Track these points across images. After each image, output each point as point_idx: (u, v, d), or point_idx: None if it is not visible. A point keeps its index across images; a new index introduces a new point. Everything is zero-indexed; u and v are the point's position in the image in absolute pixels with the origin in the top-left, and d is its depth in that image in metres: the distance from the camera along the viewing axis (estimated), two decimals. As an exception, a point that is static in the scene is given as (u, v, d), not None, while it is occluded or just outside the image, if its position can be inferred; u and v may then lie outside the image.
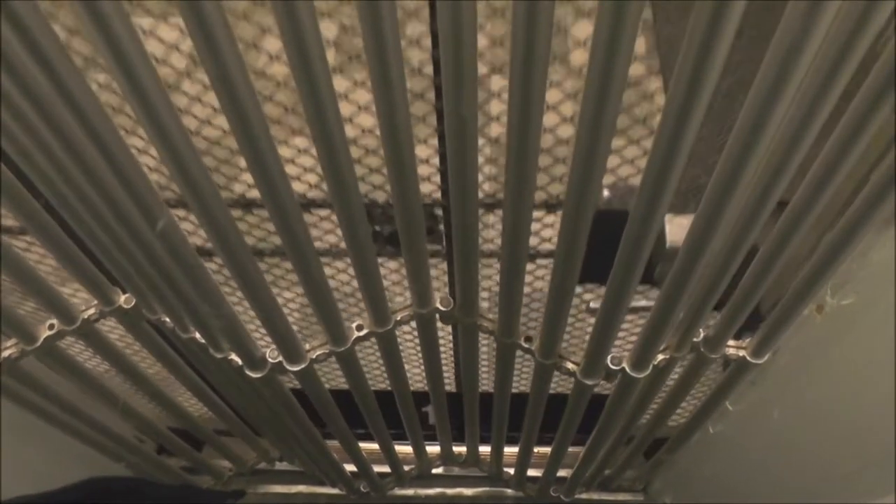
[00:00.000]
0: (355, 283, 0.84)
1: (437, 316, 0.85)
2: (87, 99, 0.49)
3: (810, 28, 0.40)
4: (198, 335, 0.86)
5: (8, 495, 1.05)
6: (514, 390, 1.04)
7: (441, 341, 0.92)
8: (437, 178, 0.83)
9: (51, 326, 0.87)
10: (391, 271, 1.07)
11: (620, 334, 0.98)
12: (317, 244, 0.70)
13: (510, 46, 0.43)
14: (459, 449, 1.52)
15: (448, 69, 0.46)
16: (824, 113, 0.47)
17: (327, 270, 0.75)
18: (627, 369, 0.85)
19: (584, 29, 0.53)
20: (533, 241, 0.67)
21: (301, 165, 0.88)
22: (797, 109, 0.47)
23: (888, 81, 0.45)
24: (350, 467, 1.47)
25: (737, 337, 0.83)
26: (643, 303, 0.88)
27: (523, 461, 1.40)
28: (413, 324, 0.87)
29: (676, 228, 0.81)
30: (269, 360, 0.87)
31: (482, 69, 0.53)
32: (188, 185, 0.55)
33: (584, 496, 1.59)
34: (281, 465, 1.65)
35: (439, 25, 0.43)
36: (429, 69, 0.65)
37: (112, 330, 1.03)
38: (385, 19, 0.42)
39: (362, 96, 0.74)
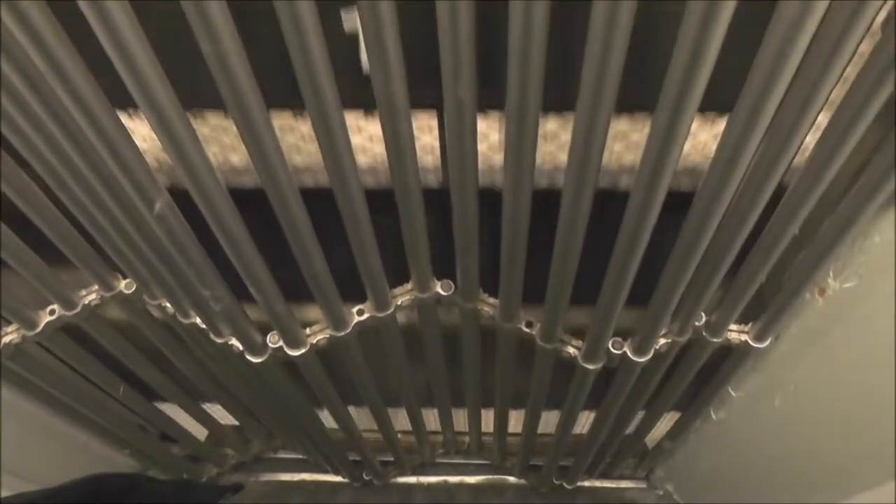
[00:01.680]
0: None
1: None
2: (84, 82, 0.49)
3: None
4: (198, 320, 0.86)
5: (8, 492, 1.05)
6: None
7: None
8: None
9: (52, 312, 0.87)
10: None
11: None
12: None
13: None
14: (462, 437, 1.53)
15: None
16: (823, 96, 0.47)
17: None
18: (629, 353, 0.84)
19: None
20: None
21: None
22: (796, 93, 0.47)
23: (888, 64, 0.45)
24: (353, 455, 1.47)
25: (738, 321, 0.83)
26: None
27: (526, 449, 1.40)
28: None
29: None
30: (270, 344, 0.87)
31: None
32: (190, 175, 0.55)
33: (586, 484, 1.59)
34: (284, 454, 1.66)
35: None
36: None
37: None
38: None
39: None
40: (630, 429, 1.25)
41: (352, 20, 0.55)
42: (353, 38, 0.56)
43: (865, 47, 0.46)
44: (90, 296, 0.88)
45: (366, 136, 0.71)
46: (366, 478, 1.58)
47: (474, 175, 0.60)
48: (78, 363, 1.01)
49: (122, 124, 0.54)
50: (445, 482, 1.64)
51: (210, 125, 0.70)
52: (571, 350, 0.87)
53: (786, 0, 0.40)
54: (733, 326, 0.84)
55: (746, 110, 0.47)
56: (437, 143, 0.73)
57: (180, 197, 0.62)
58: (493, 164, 0.73)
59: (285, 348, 0.87)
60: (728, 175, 0.53)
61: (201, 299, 0.77)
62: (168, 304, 0.87)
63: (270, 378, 0.97)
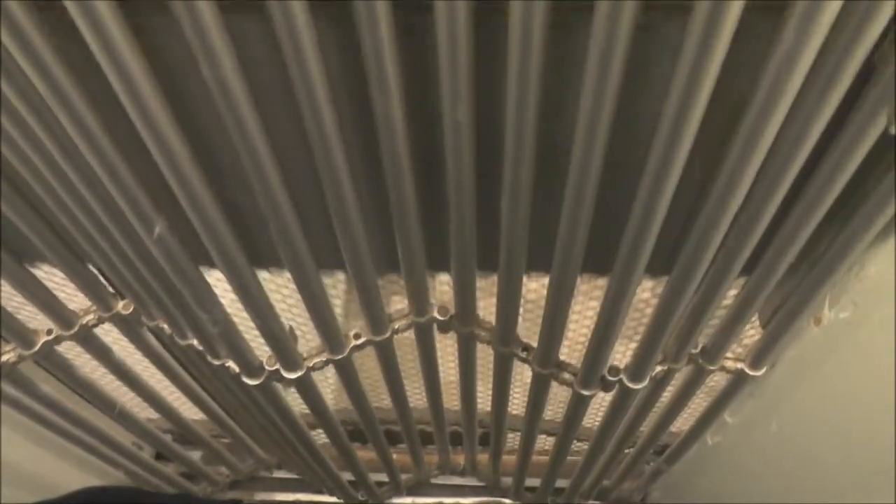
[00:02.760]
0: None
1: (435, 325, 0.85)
2: (82, 104, 0.50)
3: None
4: (195, 342, 0.86)
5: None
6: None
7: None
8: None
9: (49, 332, 0.87)
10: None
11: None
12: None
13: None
14: (457, 458, 1.52)
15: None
16: (820, 124, 0.47)
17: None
18: (625, 380, 0.84)
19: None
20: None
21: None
22: (794, 118, 0.48)
23: (883, 94, 0.45)
24: (348, 476, 1.46)
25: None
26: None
27: (521, 470, 1.39)
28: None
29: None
30: (267, 367, 0.87)
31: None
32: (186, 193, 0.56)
33: (582, 507, 1.58)
34: (279, 473, 1.65)
35: None
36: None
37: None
38: None
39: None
40: (627, 451, 1.24)
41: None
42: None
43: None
44: (88, 316, 0.88)
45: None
46: (361, 498, 1.57)
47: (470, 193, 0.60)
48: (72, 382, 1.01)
49: (120, 147, 0.55)
50: (441, 504, 1.63)
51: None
52: (567, 375, 0.87)
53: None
54: (729, 354, 0.84)
55: (744, 136, 0.47)
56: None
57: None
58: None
59: (282, 371, 0.87)
60: (725, 201, 0.53)
61: (198, 320, 0.77)
62: (165, 326, 0.87)
63: (266, 400, 0.96)
